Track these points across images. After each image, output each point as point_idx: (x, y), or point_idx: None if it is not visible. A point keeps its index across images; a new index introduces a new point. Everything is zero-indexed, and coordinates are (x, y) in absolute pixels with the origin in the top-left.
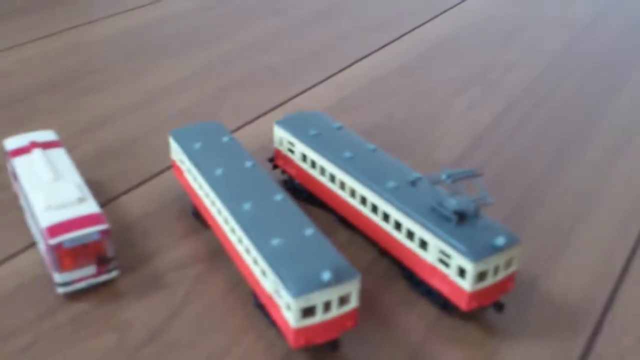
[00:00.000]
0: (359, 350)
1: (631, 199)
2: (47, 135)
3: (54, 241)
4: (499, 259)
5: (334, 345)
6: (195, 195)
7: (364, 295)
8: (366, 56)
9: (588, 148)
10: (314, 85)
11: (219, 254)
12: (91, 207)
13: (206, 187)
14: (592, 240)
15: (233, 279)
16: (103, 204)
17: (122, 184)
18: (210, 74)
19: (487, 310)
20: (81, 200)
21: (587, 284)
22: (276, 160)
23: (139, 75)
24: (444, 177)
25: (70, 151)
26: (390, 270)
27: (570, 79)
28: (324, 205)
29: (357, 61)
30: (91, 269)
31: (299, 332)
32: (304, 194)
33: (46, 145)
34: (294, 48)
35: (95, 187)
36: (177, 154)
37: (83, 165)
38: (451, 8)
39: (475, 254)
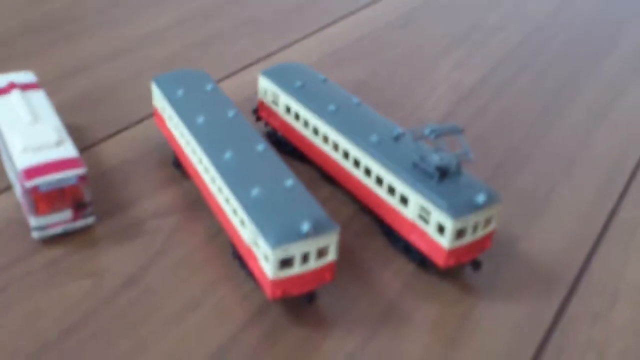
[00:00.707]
0: (335, 304)
1: (610, 164)
2: (27, 77)
3: (30, 184)
4: (478, 217)
5: (310, 297)
6: (176, 143)
7: (343, 250)
8: (352, 12)
9: (570, 112)
10: (299, 40)
11: (198, 204)
12: (69, 151)
13: (187, 135)
14: (571, 202)
15: (212, 230)
16: (82, 150)
17: (102, 130)
18: (192, 24)
19: (464, 268)
20: (59, 143)
21: (565, 245)
22: (260, 111)
23: (121, 22)
24: (427, 132)
25: (50, 96)
26: (369, 226)
27: (554, 43)
28: (306, 159)
29: (343, 17)
30: (67, 214)
31: (277, 283)
32: (287, 147)
33: (25, 87)
34: (280, 1)
35: (74, 132)
36: (159, 100)
37: (62, 111)
38: None
39: (455, 211)
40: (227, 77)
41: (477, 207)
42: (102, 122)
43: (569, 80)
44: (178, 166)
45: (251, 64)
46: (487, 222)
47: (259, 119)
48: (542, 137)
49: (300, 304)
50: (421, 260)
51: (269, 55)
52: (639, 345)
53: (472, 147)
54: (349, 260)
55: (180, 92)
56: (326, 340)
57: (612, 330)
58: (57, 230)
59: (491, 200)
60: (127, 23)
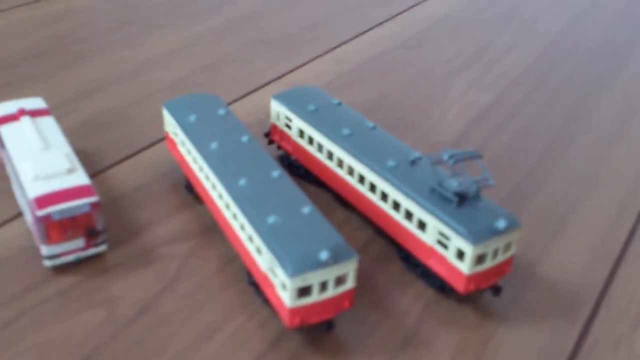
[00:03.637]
0: (354, 331)
1: (629, 182)
2: (36, 102)
3: (42, 213)
4: (498, 242)
5: (329, 325)
6: (189, 168)
7: (360, 275)
8: (363, 33)
9: (587, 130)
10: (309, 61)
11: (212, 230)
12: (81, 178)
13: (200, 160)
14: (589, 223)
15: (226, 256)
16: (92, 175)
17: (112, 155)
18: (201, 46)
19: (484, 294)
20: (71, 171)
21: (584, 267)
22: (272, 135)
23: (130, 44)
24: (445, 157)
25: (58, 120)
26: (386, 251)
27: (569, 60)
28: (320, 182)
29: (354, 38)
30: (79, 242)
31: (295, 311)
32: (300, 170)
33: (35, 114)
34: (288, 22)
35: (84, 157)
36: (170, 125)
37: (71, 135)
38: None
39: (475, 237)
40: (237, 100)
41: (497, 233)
42: (112, 147)
43: (583, 98)
44: (191, 190)
45: (262, 86)
46: (507, 247)
47: (271, 142)
48: (559, 157)
49: (319, 332)
50: (440, 286)
51: (279, 77)
52: None
53: (488, 168)
54: (366, 285)
55: (192, 117)
56: None
57: (635, 354)
58: (69, 258)
59: (511, 225)
60: (135, 45)
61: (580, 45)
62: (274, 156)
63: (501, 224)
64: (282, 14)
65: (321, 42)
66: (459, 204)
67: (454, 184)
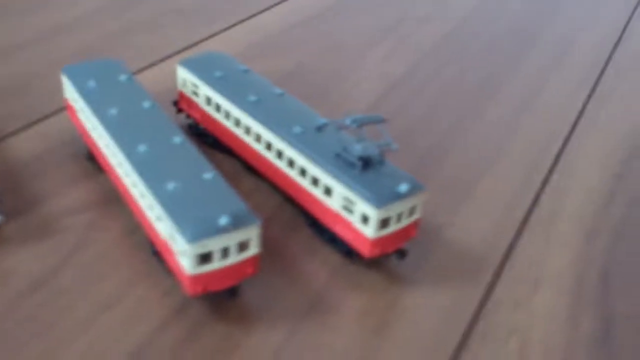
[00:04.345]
0: (259, 298)
1: (534, 152)
2: None
3: None
4: (402, 206)
5: (232, 292)
6: (89, 136)
7: (267, 242)
8: (279, 3)
9: (493, 105)
10: (223, 30)
11: (114, 200)
12: None
13: (100, 127)
14: (495, 191)
15: (129, 226)
16: None
17: (11, 123)
18: (111, 12)
19: (390, 258)
20: None
21: (489, 233)
22: (180, 103)
23: (32, 10)
24: (348, 121)
25: None
26: (294, 218)
27: (481, 36)
28: (229, 151)
29: (268, 8)
30: None
31: (196, 279)
32: (209, 139)
33: None
34: None
35: None
36: (70, 92)
37: None
38: None
39: (378, 201)
40: (148, 67)
41: (400, 197)
42: (11, 115)
43: (492, 74)
44: (92, 160)
45: (173, 54)
46: (412, 211)
47: (179, 110)
48: (467, 129)
49: (223, 299)
50: (347, 251)
51: (192, 46)
52: (559, 331)
53: (398, 139)
54: (274, 252)
55: (92, 83)
56: (250, 336)
57: (534, 316)
58: None
59: (414, 189)
60: (40, 11)
61: (491, 24)
62: (183, 125)
63: (404, 187)
64: None
65: (236, 12)
66: (363, 169)
67: (358, 149)
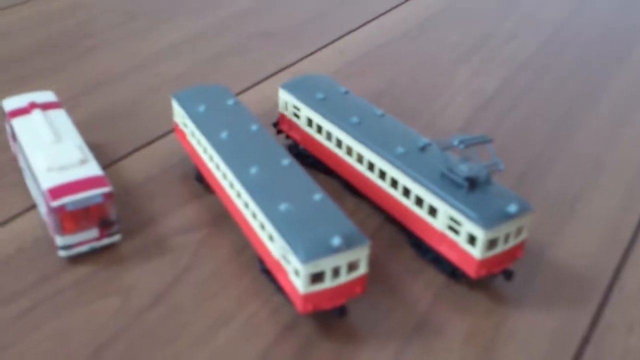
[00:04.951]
0: (366, 317)
1: (636, 165)
2: (47, 96)
3: (56, 203)
4: (510, 227)
5: (341, 311)
6: (199, 158)
7: (371, 262)
8: (366, 23)
9: (593, 116)
10: (314, 51)
11: (223, 219)
12: (93, 169)
13: (211, 150)
14: (599, 208)
15: (238, 244)
16: (103, 167)
17: (123, 147)
18: (205, 39)
19: (496, 279)
20: (83, 162)
21: (596, 252)
22: (280, 124)
23: (135, 38)
24: (455, 142)
25: (69, 113)
26: (397, 238)
27: (572, 47)
28: (329, 171)
29: (357, 28)
30: (93, 233)
31: (307, 297)
32: (309, 159)
33: (46, 106)
34: (291, 14)
35: (96, 150)
36: (180, 116)
37: (81, 128)
38: None
39: (486, 221)
40: (243, 91)
41: (508, 217)
42: (122, 139)
43: (589, 84)
44: (201, 180)
45: (267, 78)
46: (519, 231)
47: (279, 132)
48: (566, 143)
49: (332, 318)
50: (451, 272)
51: (284, 69)
52: None
53: (496, 154)
54: (378, 272)
55: (201, 107)
56: (358, 355)
57: None
58: (83, 248)
59: (522, 209)
60: (140, 39)
61: (582, 34)
62: (283, 146)
63: (512, 208)
64: (285, 6)
65: (325, 33)
66: (470, 189)
67: (464, 169)
